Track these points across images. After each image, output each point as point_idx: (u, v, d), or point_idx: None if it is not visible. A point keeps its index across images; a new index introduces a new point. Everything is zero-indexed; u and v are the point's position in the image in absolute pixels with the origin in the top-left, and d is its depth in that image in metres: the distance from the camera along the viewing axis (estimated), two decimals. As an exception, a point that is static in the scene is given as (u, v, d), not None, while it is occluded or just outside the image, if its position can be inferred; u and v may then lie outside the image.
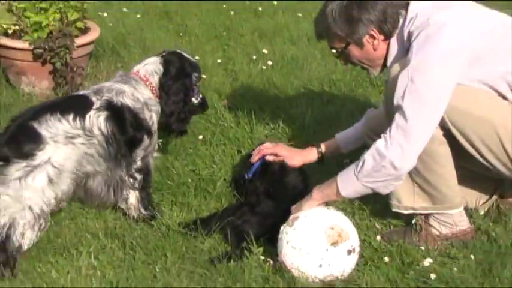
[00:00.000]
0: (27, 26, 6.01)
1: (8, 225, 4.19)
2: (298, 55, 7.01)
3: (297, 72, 6.65)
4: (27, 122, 4.36)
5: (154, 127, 4.84)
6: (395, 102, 3.90)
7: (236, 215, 4.50)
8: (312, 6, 8.31)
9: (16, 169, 4.22)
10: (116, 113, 4.59)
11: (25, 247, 4.24)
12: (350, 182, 4.04)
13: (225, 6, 8.38)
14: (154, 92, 4.85)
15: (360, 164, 3.96)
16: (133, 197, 4.75)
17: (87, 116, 4.44)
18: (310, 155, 4.72)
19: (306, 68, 6.74)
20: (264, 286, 4.02)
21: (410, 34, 4.05)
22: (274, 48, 7.17)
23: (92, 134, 4.46)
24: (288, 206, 4.32)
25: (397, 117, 3.88)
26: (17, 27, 6.07)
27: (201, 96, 5.09)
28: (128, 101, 4.66)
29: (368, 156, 3.92)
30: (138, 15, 8.13)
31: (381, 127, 4.24)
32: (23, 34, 6.06)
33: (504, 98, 4.10)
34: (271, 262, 4.18)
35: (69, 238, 4.50)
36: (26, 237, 4.22)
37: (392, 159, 3.87)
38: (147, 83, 4.82)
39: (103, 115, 4.51)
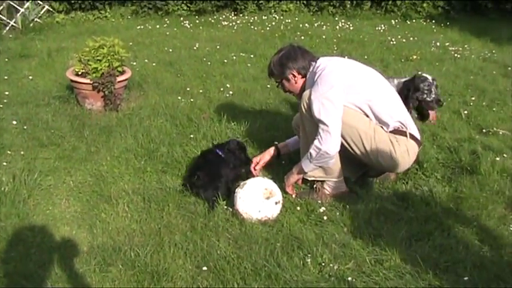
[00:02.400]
0: (89, 69, 5.98)
1: None
2: (247, 88, 7.05)
3: (246, 98, 6.68)
4: None
5: None
6: (316, 118, 4.12)
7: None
8: (255, 60, 8.37)
9: None
10: None
11: None
12: (307, 164, 4.26)
13: (204, 59, 8.33)
14: None
15: (309, 155, 4.18)
16: None
17: None
18: (272, 152, 4.83)
19: (251, 95, 6.78)
20: (226, 224, 4.06)
21: (315, 74, 4.29)
22: (233, 84, 7.22)
23: None
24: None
25: (321, 125, 4.09)
26: (83, 70, 6.08)
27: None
28: None
29: (312, 150, 4.14)
30: (154, 64, 8.11)
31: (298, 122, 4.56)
32: (87, 74, 6.02)
33: (366, 115, 4.25)
34: (230, 210, 4.21)
35: (112, 194, 4.47)
36: None
37: (326, 150, 4.11)
38: None
39: None
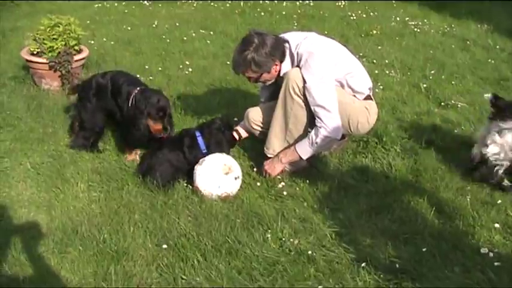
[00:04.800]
0: (45, 49, 5.88)
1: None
2: (206, 65, 7.05)
3: (206, 75, 6.67)
4: None
5: None
6: (317, 103, 4.06)
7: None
8: (215, 37, 8.33)
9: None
10: None
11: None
12: (307, 151, 4.18)
13: (164, 37, 8.26)
14: None
15: (314, 142, 4.12)
16: None
17: None
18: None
19: (211, 73, 6.76)
20: (186, 201, 4.05)
21: (299, 54, 4.17)
22: (192, 61, 7.20)
23: None
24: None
25: (323, 111, 4.06)
26: (39, 49, 5.97)
27: None
28: None
29: (318, 139, 4.08)
30: (112, 42, 8.03)
31: (260, 118, 4.57)
32: (43, 54, 5.92)
33: (342, 86, 4.30)
34: (190, 187, 4.20)
35: (71, 174, 4.45)
36: None
37: (335, 136, 4.11)
38: None
39: None
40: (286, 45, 4.25)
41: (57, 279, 3.32)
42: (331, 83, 4.15)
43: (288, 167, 4.40)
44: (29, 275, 3.34)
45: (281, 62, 4.26)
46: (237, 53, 4.22)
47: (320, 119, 4.08)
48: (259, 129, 4.62)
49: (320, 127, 4.09)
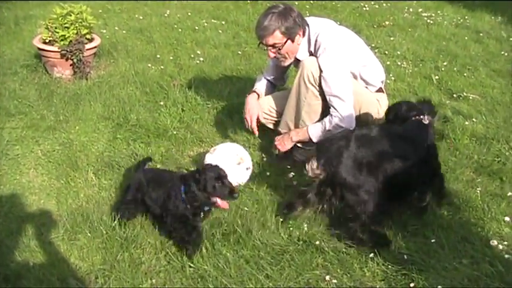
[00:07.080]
0: (57, 37, 5.90)
1: None
2: (218, 55, 7.02)
3: (217, 65, 6.65)
4: None
5: None
6: (332, 93, 4.03)
7: None
8: (227, 27, 8.32)
9: None
10: None
11: None
12: (318, 135, 4.11)
13: (175, 26, 8.25)
14: None
15: (326, 128, 4.07)
16: None
17: None
18: (254, 97, 4.61)
19: (222, 62, 6.74)
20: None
21: (318, 42, 4.13)
22: (204, 50, 7.17)
23: None
24: None
25: (338, 101, 4.02)
26: (51, 38, 5.98)
27: None
28: None
29: (331, 127, 4.04)
30: (124, 31, 8.03)
31: (271, 108, 4.60)
32: (55, 42, 5.94)
33: (355, 78, 4.30)
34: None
35: (81, 162, 4.51)
36: None
37: (347, 126, 4.01)
38: None
39: None
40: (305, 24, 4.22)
41: (67, 266, 3.35)
42: (348, 73, 4.14)
43: (298, 157, 4.40)
44: (38, 261, 3.38)
45: (304, 34, 4.19)
46: (262, 17, 4.10)
47: (335, 108, 4.05)
48: (270, 118, 4.61)
49: (334, 116, 4.06)
